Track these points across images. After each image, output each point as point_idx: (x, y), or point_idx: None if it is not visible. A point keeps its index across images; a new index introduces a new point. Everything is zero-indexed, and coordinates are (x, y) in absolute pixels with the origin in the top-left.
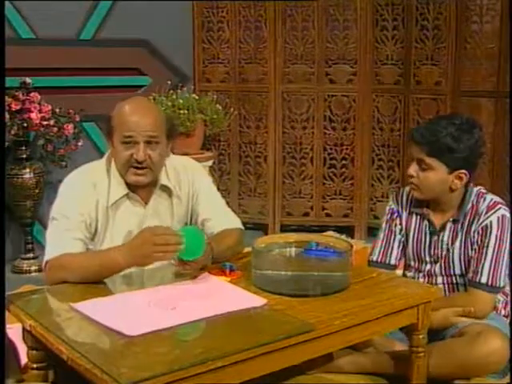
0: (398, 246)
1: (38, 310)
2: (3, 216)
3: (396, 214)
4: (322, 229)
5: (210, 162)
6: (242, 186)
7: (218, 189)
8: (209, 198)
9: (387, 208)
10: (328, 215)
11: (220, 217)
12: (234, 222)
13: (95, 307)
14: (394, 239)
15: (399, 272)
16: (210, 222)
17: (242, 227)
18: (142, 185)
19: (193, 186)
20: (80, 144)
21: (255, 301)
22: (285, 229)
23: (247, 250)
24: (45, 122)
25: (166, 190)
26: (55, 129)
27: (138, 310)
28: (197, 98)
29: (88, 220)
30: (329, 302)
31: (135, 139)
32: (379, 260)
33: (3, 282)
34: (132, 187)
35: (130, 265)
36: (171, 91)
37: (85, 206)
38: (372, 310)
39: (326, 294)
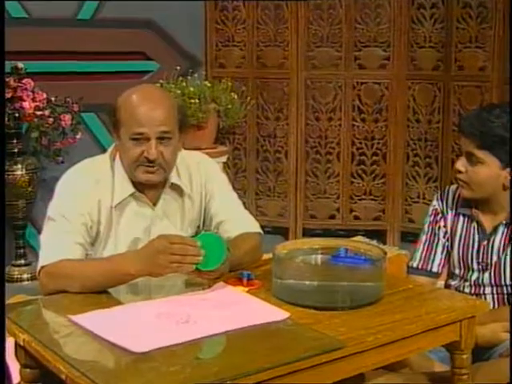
0: (442, 252)
1: (32, 323)
2: (3, 216)
3: (440, 215)
4: (349, 233)
5: (223, 158)
6: (259, 184)
7: (233, 188)
8: (224, 199)
9: (430, 208)
10: (356, 218)
11: (237, 219)
12: (252, 226)
13: (97, 320)
14: (438, 243)
15: (441, 283)
16: (226, 225)
17: (261, 231)
18: (153, 183)
19: (206, 185)
20: (78, 137)
21: (277, 314)
22: (307, 233)
23: (267, 256)
24: (39, 112)
25: (177, 189)
26: (51, 120)
27: (145, 324)
28: (209, 85)
29: (89, 222)
30: (360, 316)
31: (146, 135)
32: (420, 266)
33: (3, 283)
34: (139, 186)
35: (141, 275)
36: (180, 78)
37: (86, 207)
38: (409, 325)
39: (357, 307)
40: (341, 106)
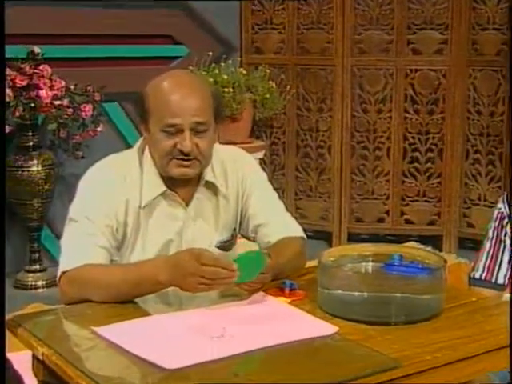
0: (509, 261)
1: (52, 336)
2: (3, 215)
3: (507, 220)
4: (399, 239)
5: (260, 154)
6: (299, 183)
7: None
8: (263, 199)
9: (495, 212)
10: (408, 222)
11: (278, 222)
12: (295, 230)
13: (123, 333)
14: (504, 251)
15: (507, 296)
16: (266, 228)
17: (304, 236)
18: (187, 178)
19: (243, 184)
20: (100, 129)
21: (323, 328)
22: (353, 238)
23: (309, 264)
24: (57, 102)
25: (211, 187)
26: (70, 110)
27: (176, 337)
28: (245, 72)
29: (115, 224)
30: (416, 332)
31: (180, 127)
32: (484, 277)
33: (3, 282)
34: (170, 184)
35: (172, 285)
36: (213, 64)
37: (111, 207)
38: (472, 343)
39: (413, 322)
40: (391, 95)
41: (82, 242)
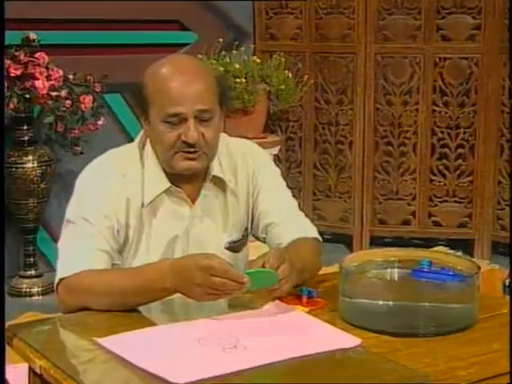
0: None
1: (50, 347)
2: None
3: None
4: (427, 243)
5: (274, 150)
6: (317, 182)
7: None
8: (275, 196)
9: None
10: (437, 224)
11: (290, 222)
12: (309, 230)
13: (127, 344)
14: None
15: None
16: (277, 228)
17: (319, 237)
18: (193, 173)
19: (253, 179)
20: (101, 123)
21: (345, 340)
22: (376, 242)
23: (328, 269)
24: (54, 93)
25: (219, 183)
26: (68, 102)
27: (185, 350)
28: (258, 61)
29: (116, 225)
30: (447, 345)
31: (182, 116)
32: None
33: (2, 285)
34: (174, 180)
35: (177, 291)
36: (223, 52)
37: (111, 207)
38: (508, 357)
39: (443, 334)
40: (418, 86)
41: (80, 246)
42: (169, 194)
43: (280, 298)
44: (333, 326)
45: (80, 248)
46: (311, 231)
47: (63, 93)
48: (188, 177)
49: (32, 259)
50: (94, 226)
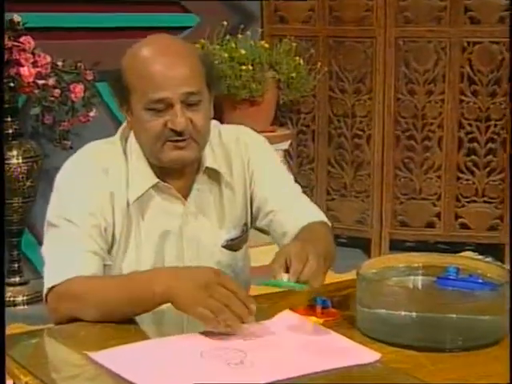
0: None
1: (37, 362)
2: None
3: None
4: (453, 247)
5: (284, 144)
6: (332, 180)
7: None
8: (274, 182)
9: None
10: (464, 227)
11: (294, 208)
12: (317, 215)
13: (122, 359)
14: None
15: None
16: (280, 215)
17: (328, 221)
18: (184, 165)
19: (249, 167)
20: (92, 115)
21: (363, 354)
22: (396, 246)
23: (346, 276)
24: (41, 81)
25: (213, 175)
26: (56, 91)
27: (186, 364)
28: (266, 46)
29: (102, 223)
30: (476, 361)
31: (168, 101)
32: None
33: (2, 284)
34: (162, 174)
35: (169, 298)
36: (228, 37)
37: (96, 204)
38: None
39: (472, 349)
40: (444, 74)
41: (67, 250)
42: (158, 190)
43: (292, 308)
44: (349, 339)
45: (67, 252)
46: (319, 215)
47: (51, 81)
48: (178, 170)
49: (16, 265)
50: (79, 226)
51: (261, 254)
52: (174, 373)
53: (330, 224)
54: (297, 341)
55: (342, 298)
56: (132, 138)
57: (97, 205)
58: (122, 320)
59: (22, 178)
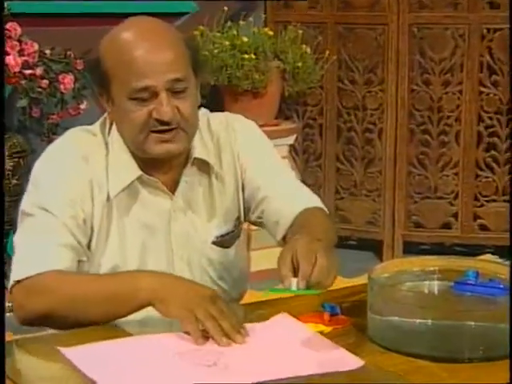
0: None
1: (22, 374)
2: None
3: None
4: (472, 250)
5: (289, 139)
6: (341, 177)
7: (304, 183)
8: (267, 169)
9: None
10: (483, 228)
11: (289, 194)
12: (311, 199)
13: (93, 356)
14: None
15: None
16: (273, 202)
17: (325, 208)
18: (172, 156)
19: (240, 154)
20: (83, 107)
21: (348, 361)
22: (410, 249)
23: (356, 281)
24: (28, 71)
25: (202, 167)
26: (45, 82)
27: (158, 365)
28: (270, 34)
29: (81, 214)
30: (497, 372)
31: (152, 89)
32: None
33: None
34: (147, 167)
35: (153, 300)
36: (229, 23)
37: (75, 193)
38: None
39: (492, 359)
40: (462, 63)
41: (40, 242)
42: (143, 183)
43: (297, 316)
44: (360, 348)
45: (41, 244)
46: (314, 200)
47: (39, 71)
48: (165, 162)
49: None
50: (56, 216)
51: (262, 258)
52: (144, 374)
53: (326, 210)
54: (278, 345)
55: (352, 304)
56: (114, 131)
57: (76, 193)
58: (96, 322)
59: (8, 175)
